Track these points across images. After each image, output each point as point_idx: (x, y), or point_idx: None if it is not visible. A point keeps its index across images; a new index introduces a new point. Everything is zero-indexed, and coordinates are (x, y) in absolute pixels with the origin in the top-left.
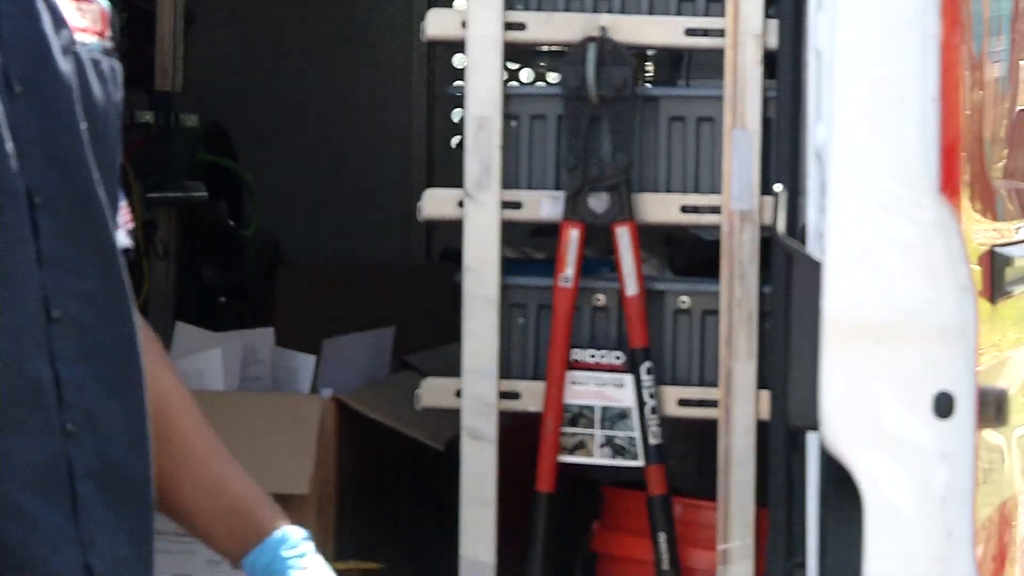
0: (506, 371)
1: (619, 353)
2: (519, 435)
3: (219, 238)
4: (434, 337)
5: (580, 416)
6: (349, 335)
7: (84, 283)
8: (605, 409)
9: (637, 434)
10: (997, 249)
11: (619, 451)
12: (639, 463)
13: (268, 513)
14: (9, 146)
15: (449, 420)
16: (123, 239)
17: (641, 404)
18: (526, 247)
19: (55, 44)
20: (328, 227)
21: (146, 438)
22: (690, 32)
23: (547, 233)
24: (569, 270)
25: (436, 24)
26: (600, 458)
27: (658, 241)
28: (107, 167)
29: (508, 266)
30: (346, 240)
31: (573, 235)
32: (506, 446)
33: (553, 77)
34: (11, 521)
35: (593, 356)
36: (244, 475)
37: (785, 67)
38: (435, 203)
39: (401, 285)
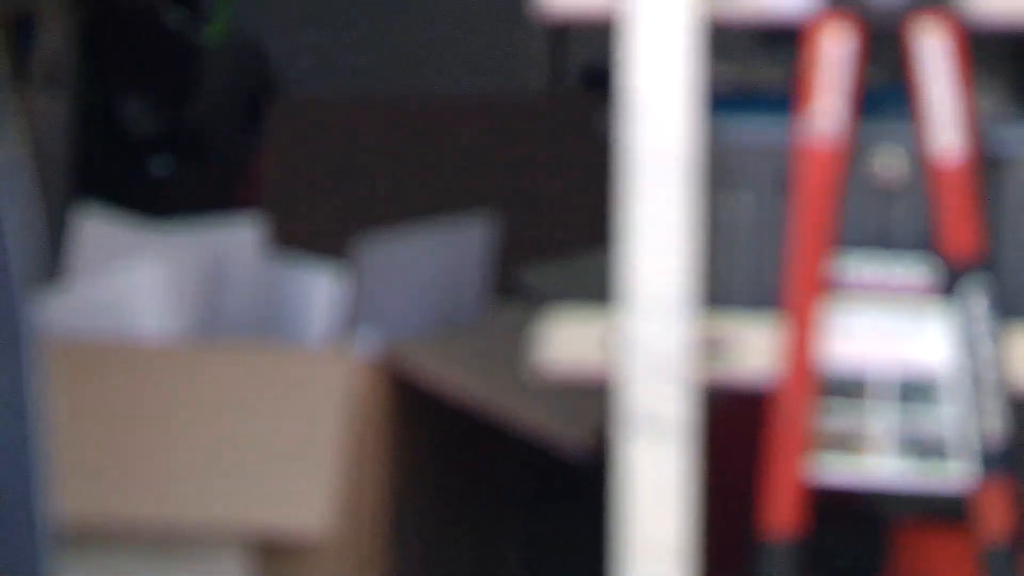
0: (709, 303)
1: (925, 266)
2: (729, 424)
3: (155, 50)
4: (568, 236)
5: (850, 388)
6: (404, 233)
7: None
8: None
9: (962, 424)
10: None
11: (925, 455)
12: (963, 481)
13: None
14: None
15: (598, 397)
16: None
17: (972, 365)
18: (748, 67)
19: None
20: (360, 30)
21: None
22: None
23: (785, 43)
24: (829, 111)
25: None
26: (889, 470)
27: (1002, 58)
28: None
29: (716, 103)
30: (394, 53)
31: (838, 45)
32: (713, 444)
33: None
34: None
35: (875, 272)
36: None
37: None
38: None
39: (501, 136)
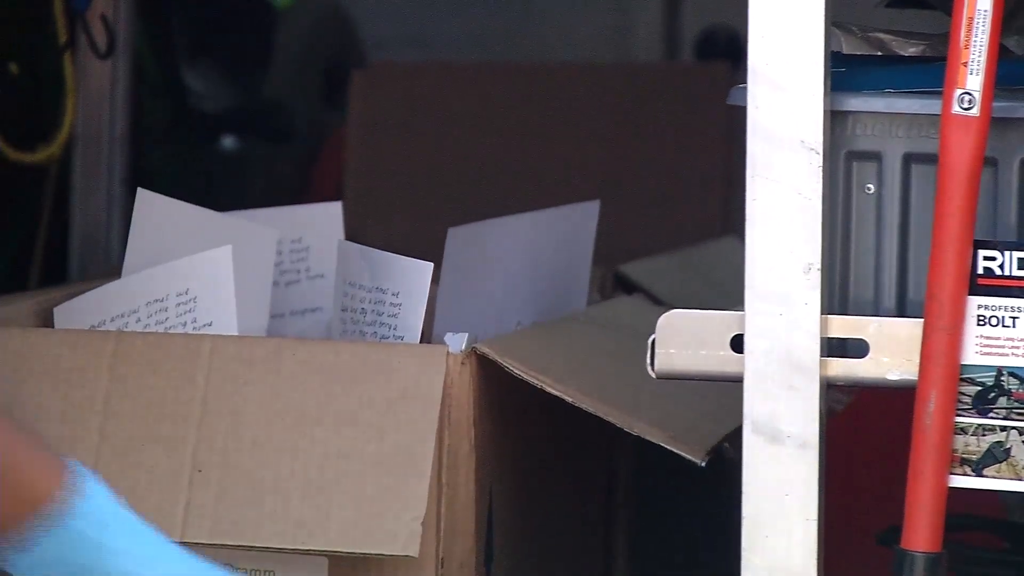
0: (840, 298)
1: None
2: (858, 428)
3: (222, 14)
4: (683, 226)
5: (996, 391)
6: (500, 219)
7: None
8: None
9: None
10: None
11: None
12: None
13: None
14: None
15: (716, 401)
16: None
17: None
18: (876, 32)
19: None
20: None
21: None
22: None
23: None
24: (973, 79)
25: None
26: None
27: None
28: None
29: (843, 73)
30: (493, 17)
31: (982, 2)
32: (834, 449)
33: None
34: None
35: None
36: None
37: None
38: None
39: (607, 111)
